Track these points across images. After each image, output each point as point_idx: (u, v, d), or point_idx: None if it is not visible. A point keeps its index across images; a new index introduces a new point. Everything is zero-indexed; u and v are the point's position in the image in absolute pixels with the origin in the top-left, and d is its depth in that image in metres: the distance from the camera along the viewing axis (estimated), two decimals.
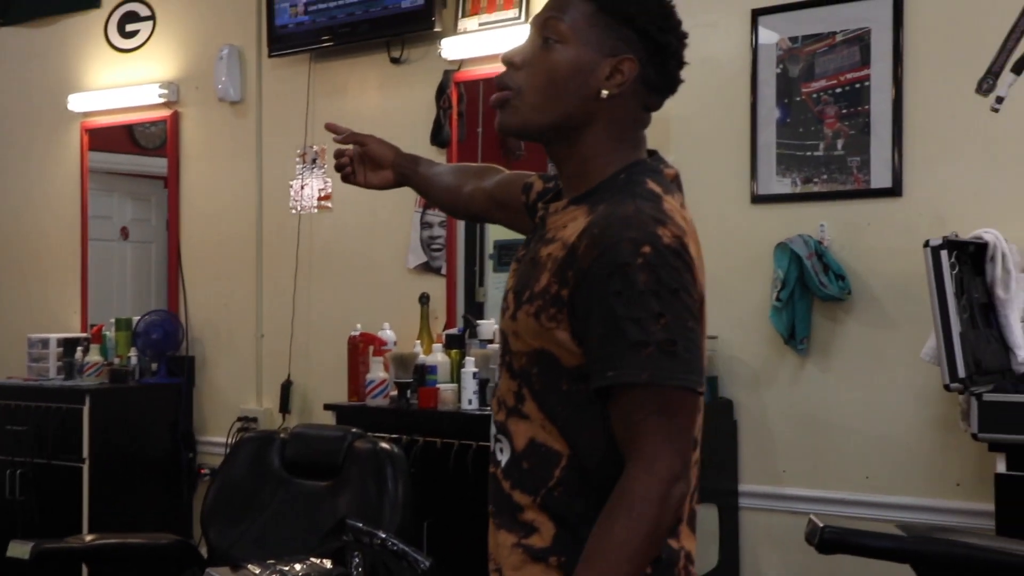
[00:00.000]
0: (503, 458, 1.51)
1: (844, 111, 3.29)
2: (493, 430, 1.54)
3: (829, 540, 2.23)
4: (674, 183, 1.51)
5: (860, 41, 3.27)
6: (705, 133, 3.54)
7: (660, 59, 1.49)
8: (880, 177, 3.23)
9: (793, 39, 3.38)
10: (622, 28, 1.47)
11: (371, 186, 1.99)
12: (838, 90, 3.30)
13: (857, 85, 3.27)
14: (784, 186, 3.39)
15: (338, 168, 2.01)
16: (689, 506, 1.47)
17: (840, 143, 3.29)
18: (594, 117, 1.49)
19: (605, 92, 1.47)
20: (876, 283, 3.24)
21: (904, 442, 3.19)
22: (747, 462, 3.42)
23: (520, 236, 1.77)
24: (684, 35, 1.54)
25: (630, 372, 1.35)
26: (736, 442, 3.43)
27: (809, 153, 3.34)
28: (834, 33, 3.31)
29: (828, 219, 3.30)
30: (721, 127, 3.50)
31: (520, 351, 1.48)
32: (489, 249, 4.06)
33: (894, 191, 3.21)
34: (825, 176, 3.32)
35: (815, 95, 3.34)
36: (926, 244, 2.78)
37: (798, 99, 3.36)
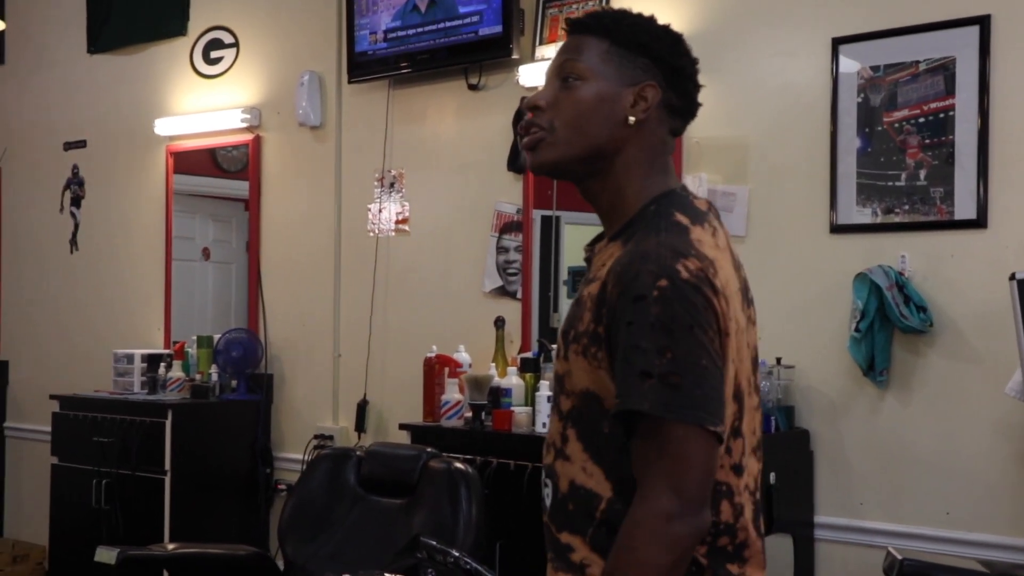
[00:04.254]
0: (548, 502, 1.53)
1: (927, 141, 3.26)
2: (542, 475, 1.56)
3: (909, 573, 2.20)
4: (709, 212, 1.53)
5: (944, 70, 3.24)
6: (784, 162, 3.52)
7: (678, 82, 1.55)
8: (964, 208, 3.19)
9: (875, 68, 3.36)
10: (637, 58, 1.52)
11: None
12: (921, 120, 3.27)
13: (941, 115, 3.24)
14: (864, 216, 3.36)
15: None
16: (730, 540, 1.46)
17: (923, 173, 3.26)
18: (624, 145, 1.52)
19: (632, 119, 1.51)
20: (959, 316, 3.19)
21: (986, 478, 3.13)
22: (823, 493, 3.38)
23: None
24: (695, 60, 1.58)
25: (633, 400, 1.36)
26: (812, 472, 3.39)
27: (890, 183, 3.32)
28: (917, 62, 3.29)
29: (909, 250, 3.27)
30: (800, 156, 3.49)
31: (570, 391, 1.50)
32: (563, 275, 4.07)
33: (979, 223, 3.17)
34: (907, 207, 3.29)
35: (897, 124, 3.31)
36: (1012, 276, 2.73)
37: (879, 128, 3.34)
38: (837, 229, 3.41)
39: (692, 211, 1.50)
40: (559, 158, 1.55)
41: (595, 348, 1.44)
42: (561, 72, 1.55)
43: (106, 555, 2.85)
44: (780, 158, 3.53)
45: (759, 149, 3.55)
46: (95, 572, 3.16)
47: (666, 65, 1.53)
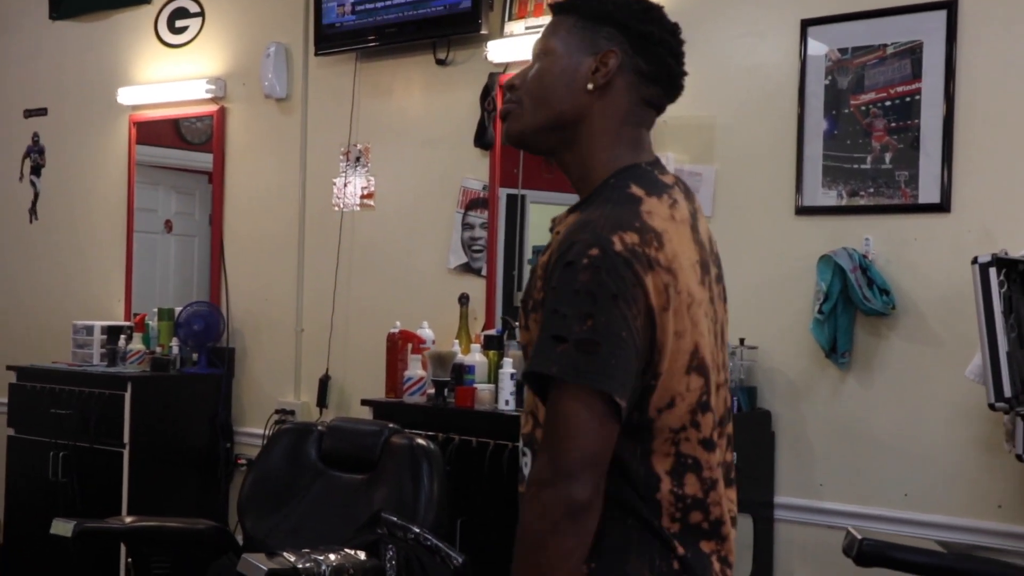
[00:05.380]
0: (527, 471, 1.53)
1: (893, 124, 3.27)
2: (520, 444, 1.57)
3: (867, 553, 2.21)
4: (675, 186, 1.54)
5: (912, 54, 3.25)
6: (750, 143, 3.53)
7: (646, 48, 1.56)
8: (928, 192, 3.21)
9: (843, 50, 3.36)
10: (602, 28, 1.55)
11: None
12: (888, 103, 3.28)
13: (907, 99, 3.25)
14: (829, 198, 3.37)
15: None
16: (703, 516, 1.46)
17: (888, 157, 3.28)
18: (587, 113, 1.55)
19: (591, 85, 1.54)
20: (922, 299, 3.21)
21: (945, 461, 3.16)
22: (784, 474, 3.40)
23: None
24: (672, 27, 1.60)
25: (542, 364, 1.37)
26: (773, 454, 3.41)
27: (856, 166, 3.32)
28: (885, 45, 3.29)
29: (874, 233, 3.28)
30: (767, 137, 3.49)
31: None
32: (528, 254, 4.06)
33: (942, 207, 3.18)
34: (872, 190, 3.30)
35: (864, 107, 3.32)
36: (974, 260, 2.75)
37: (846, 111, 3.35)
38: (802, 211, 3.42)
39: (651, 183, 1.51)
40: (524, 128, 1.59)
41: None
42: (534, 52, 1.61)
43: (62, 527, 2.82)
44: (747, 139, 3.53)
45: (726, 130, 3.55)
46: (51, 545, 3.12)
47: (632, 32, 1.55)
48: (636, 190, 1.48)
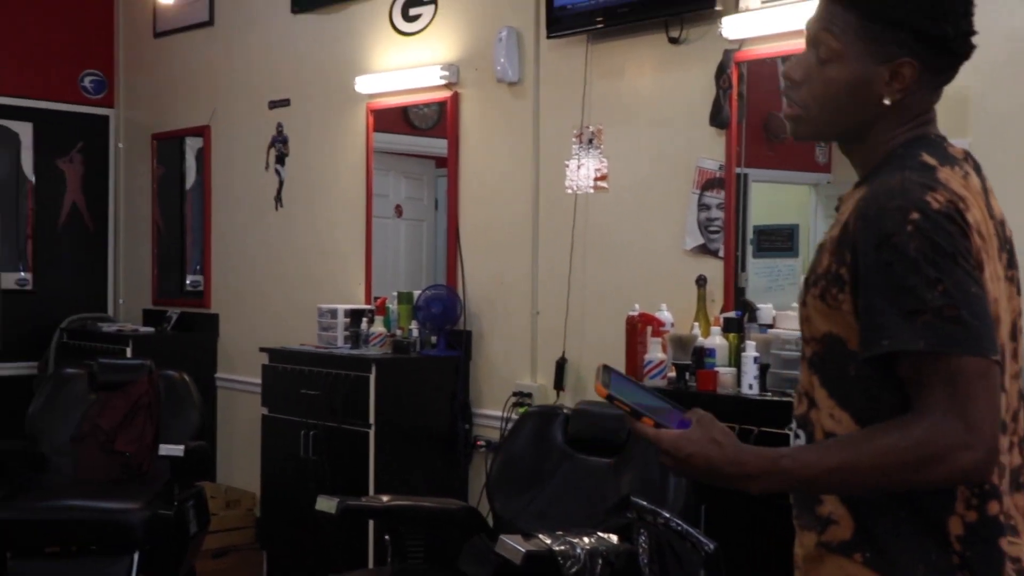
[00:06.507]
0: None
1: None
2: (793, 425, 1.54)
3: None
4: (965, 160, 1.48)
5: None
6: (1009, 113, 3.32)
7: (942, 51, 1.47)
8: None
9: None
10: (894, 32, 1.45)
11: None
12: None
13: None
14: None
15: None
16: (1000, 508, 1.39)
17: None
18: (882, 116, 1.50)
19: (888, 100, 1.48)
20: None
21: None
22: None
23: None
24: (965, 8, 1.49)
25: (905, 340, 1.31)
26: None
27: None
28: None
29: None
30: None
31: (810, 337, 1.48)
32: (750, 234, 3.98)
33: None
34: None
35: None
36: None
37: None
38: None
39: (942, 154, 1.46)
40: (814, 135, 1.61)
41: (835, 290, 1.41)
42: (815, 43, 1.53)
43: (327, 504, 2.95)
44: (1006, 109, 3.33)
45: (982, 98, 3.35)
46: (303, 519, 3.25)
47: (926, 36, 1.46)
48: (928, 159, 1.44)
